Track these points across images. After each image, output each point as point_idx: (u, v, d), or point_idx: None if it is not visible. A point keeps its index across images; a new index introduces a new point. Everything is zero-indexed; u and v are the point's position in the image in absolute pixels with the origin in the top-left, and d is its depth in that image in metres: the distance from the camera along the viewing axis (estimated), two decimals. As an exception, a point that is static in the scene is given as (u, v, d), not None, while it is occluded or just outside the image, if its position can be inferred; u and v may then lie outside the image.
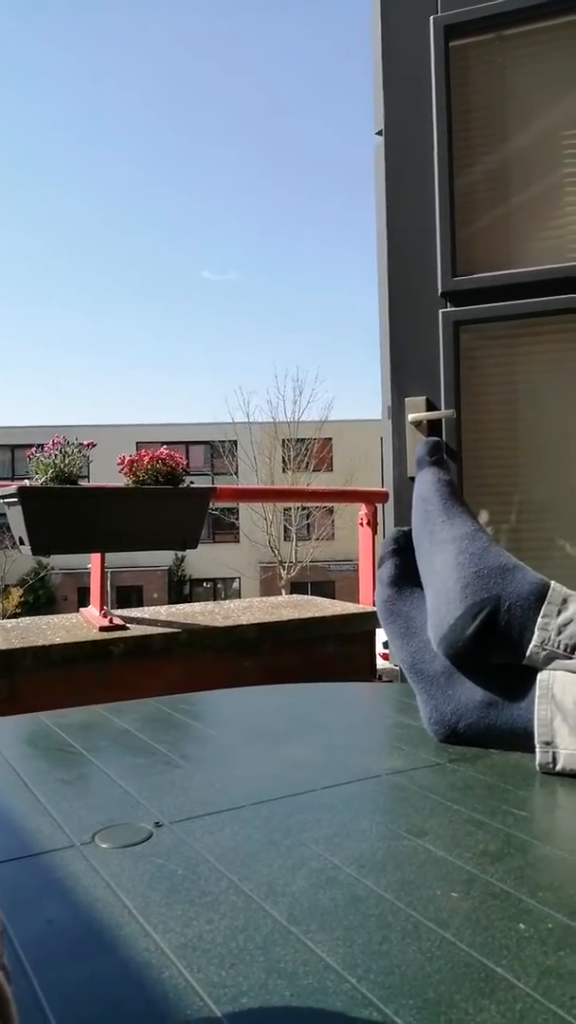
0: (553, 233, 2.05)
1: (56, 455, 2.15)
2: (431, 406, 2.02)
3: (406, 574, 1.22)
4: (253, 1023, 0.47)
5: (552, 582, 1.06)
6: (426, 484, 1.30)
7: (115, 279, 50.83)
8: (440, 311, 2.02)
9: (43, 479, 2.14)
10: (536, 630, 1.01)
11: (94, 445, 2.28)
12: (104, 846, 0.73)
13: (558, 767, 0.93)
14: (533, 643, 1.01)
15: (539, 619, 1.02)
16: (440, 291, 2.02)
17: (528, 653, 1.01)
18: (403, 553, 1.24)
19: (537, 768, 0.94)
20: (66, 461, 2.15)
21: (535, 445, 2.07)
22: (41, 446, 2.20)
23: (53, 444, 2.18)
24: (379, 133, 2.16)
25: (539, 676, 0.99)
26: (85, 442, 2.25)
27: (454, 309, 2.02)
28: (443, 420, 2.00)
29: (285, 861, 0.69)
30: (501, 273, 2.01)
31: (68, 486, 2.16)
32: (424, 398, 2.03)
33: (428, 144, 2.04)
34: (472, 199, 2.08)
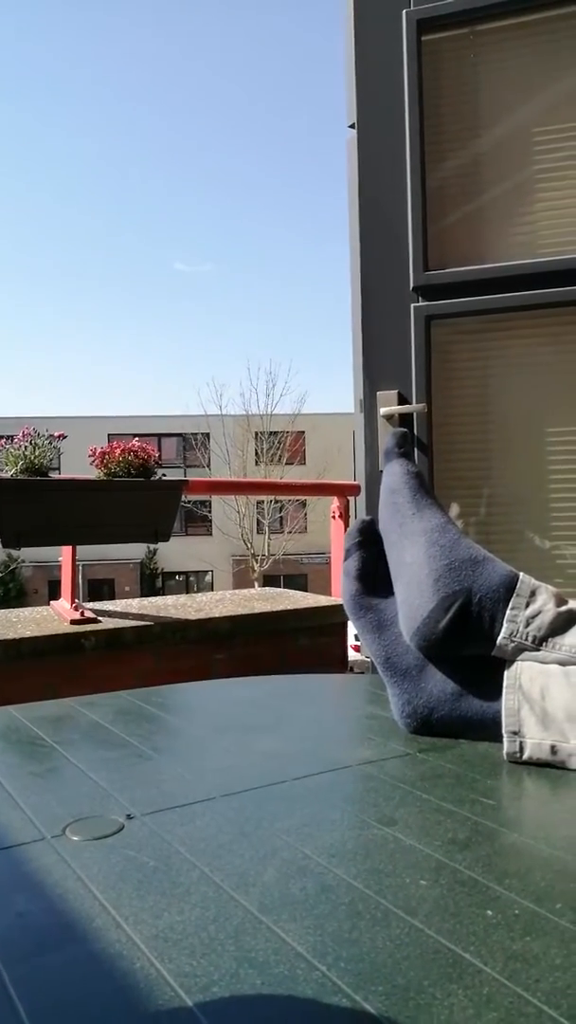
0: (525, 229, 2.07)
1: (26, 447, 2.13)
2: (403, 400, 2.03)
3: (373, 566, 1.22)
4: (224, 1012, 0.47)
5: (521, 574, 1.08)
6: (395, 476, 1.30)
7: (86, 270, 50.35)
8: (412, 305, 2.03)
9: (13, 471, 2.12)
10: (505, 622, 1.03)
11: (65, 437, 2.26)
12: (75, 839, 0.73)
13: (524, 756, 0.94)
14: (502, 635, 1.02)
15: (508, 611, 1.03)
16: (412, 285, 2.03)
17: (497, 644, 1.03)
18: (368, 545, 1.24)
19: (504, 757, 0.95)
20: (37, 453, 2.13)
21: (505, 439, 2.10)
22: (11, 437, 2.18)
23: (23, 435, 2.16)
24: (352, 126, 2.16)
25: (507, 668, 1.01)
26: (56, 433, 2.23)
27: (426, 303, 2.03)
28: (415, 413, 2.01)
29: (256, 852, 0.70)
30: (473, 268, 2.02)
31: (39, 478, 2.15)
32: (396, 392, 2.04)
33: (401, 138, 2.04)
34: (444, 193, 2.09)
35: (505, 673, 1.00)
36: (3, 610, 2.63)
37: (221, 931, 0.57)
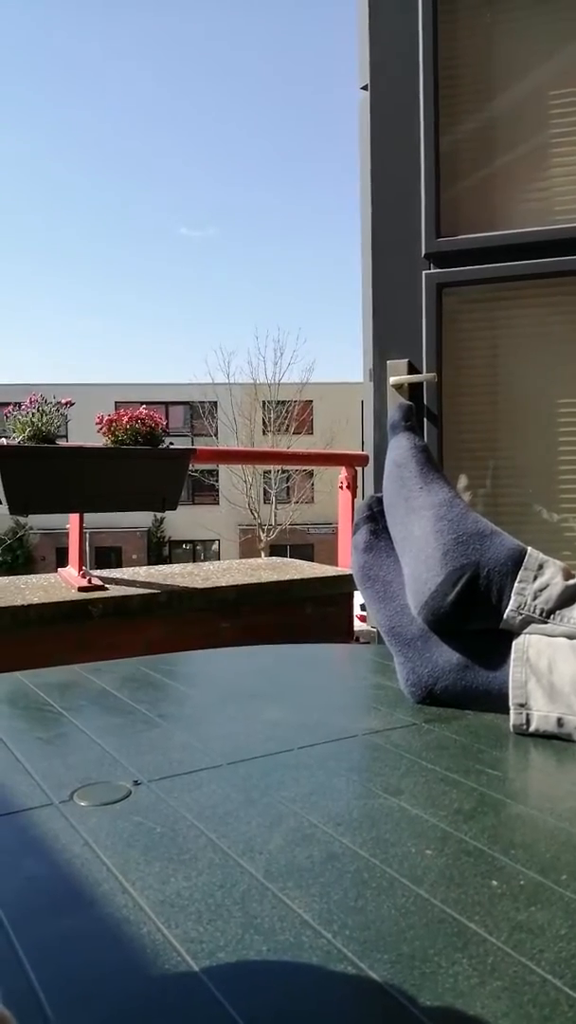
0: (539, 195, 2.03)
1: (34, 413, 2.12)
2: (413, 369, 2.01)
3: (381, 539, 1.23)
4: (230, 978, 0.48)
5: (529, 548, 1.07)
6: (401, 449, 1.30)
7: (90, 235, 49.85)
8: (423, 273, 2.00)
9: (20, 438, 2.12)
10: (513, 595, 1.02)
11: (72, 404, 2.25)
12: (83, 804, 0.73)
13: (531, 728, 0.95)
14: (510, 608, 1.02)
15: (516, 584, 1.03)
16: (424, 252, 1.99)
17: (505, 617, 1.02)
18: (377, 519, 1.25)
19: (511, 729, 0.95)
20: (44, 420, 2.12)
21: (515, 409, 2.08)
22: (18, 404, 2.17)
23: (30, 402, 2.15)
24: (364, 88, 2.11)
25: (515, 640, 1.00)
26: (63, 400, 2.22)
27: (437, 271, 2.00)
28: (424, 383, 1.99)
29: (262, 819, 0.70)
30: (485, 235, 1.98)
31: (46, 445, 2.14)
32: (406, 361, 2.02)
33: (414, 100, 2.00)
34: (457, 158, 2.05)
35: (512, 645, 1.00)
36: (11, 577, 2.64)
37: (227, 897, 0.57)
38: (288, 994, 0.47)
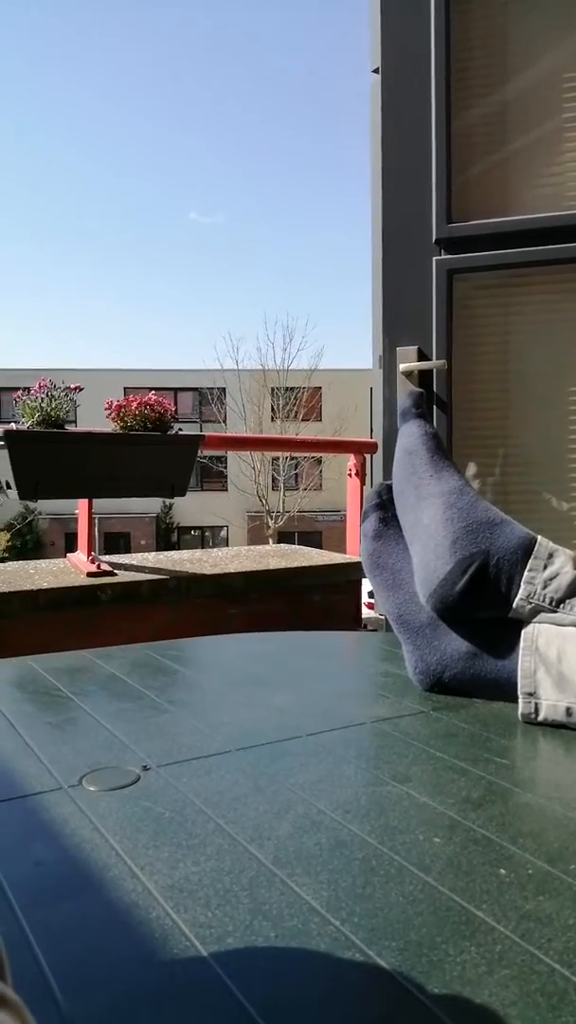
0: (552, 180, 2.01)
1: (43, 399, 2.12)
2: (423, 356, 2.00)
3: (390, 527, 1.23)
4: (238, 963, 0.48)
5: (539, 536, 1.07)
6: (412, 437, 1.29)
7: (100, 220, 49.66)
8: (434, 259, 1.98)
9: (30, 423, 2.12)
10: (522, 584, 1.02)
11: (81, 389, 2.25)
12: (92, 789, 0.74)
13: (540, 717, 0.94)
14: (519, 596, 1.02)
15: (525, 573, 1.03)
16: (434, 238, 1.98)
17: (514, 606, 1.02)
18: (387, 506, 1.25)
19: (519, 718, 0.95)
20: (53, 405, 2.12)
21: (526, 397, 2.06)
22: (27, 389, 2.17)
23: (40, 387, 2.15)
24: (376, 71, 2.09)
25: (524, 629, 1.00)
26: (72, 385, 2.22)
27: (448, 257, 1.98)
28: (434, 370, 1.98)
29: (271, 805, 0.70)
30: (497, 220, 1.97)
31: (55, 430, 2.14)
32: (416, 347, 2.01)
33: (426, 84, 1.97)
34: (469, 142, 2.03)
35: (522, 634, 1.00)
36: (21, 562, 2.64)
37: (236, 883, 0.57)
38: (296, 980, 0.47)
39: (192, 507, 25.11)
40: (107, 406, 2.30)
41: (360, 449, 3.16)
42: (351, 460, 3.14)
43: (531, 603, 1.01)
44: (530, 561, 1.03)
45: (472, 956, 0.49)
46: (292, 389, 25.56)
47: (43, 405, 2.12)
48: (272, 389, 25.47)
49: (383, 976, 0.47)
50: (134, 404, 2.27)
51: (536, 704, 0.95)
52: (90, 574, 2.34)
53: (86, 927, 0.52)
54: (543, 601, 1.01)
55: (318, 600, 2.68)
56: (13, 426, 2.14)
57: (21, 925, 0.51)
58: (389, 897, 0.56)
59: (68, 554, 2.68)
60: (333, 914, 0.53)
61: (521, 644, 0.99)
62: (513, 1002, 0.45)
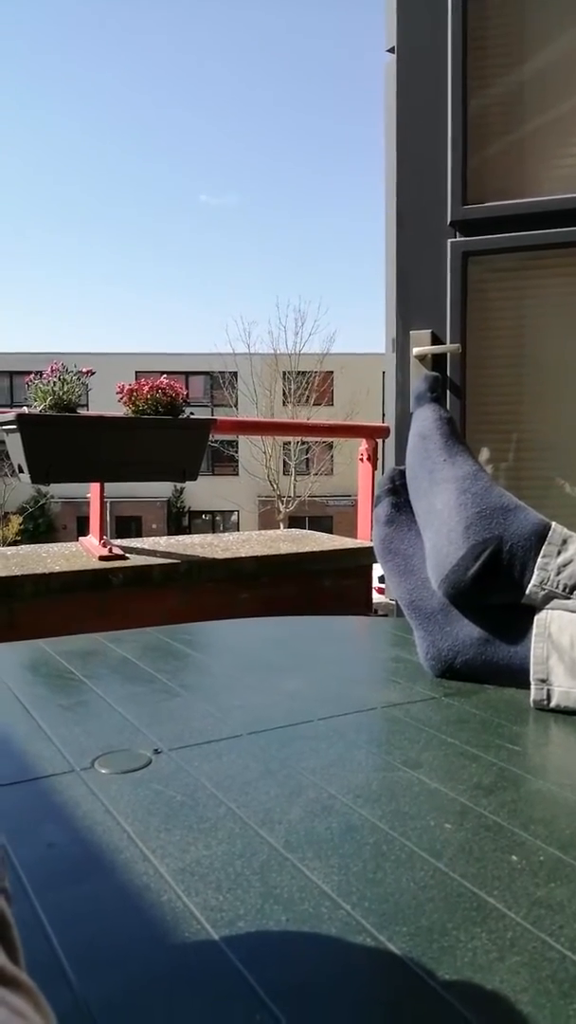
0: (569, 161, 1.98)
1: (55, 382, 2.12)
2: (436, 340, 1.99)
3: (402, 512, 1.22)
4: (249, 947, 0.48)
5: (553, 523, 1.06)
6: (426, 421, 1.28)
7: (110, 204, 49.44)
8: (449, 241, 1.96)
9: (42, 406, 2.12)
10: (536, 570, 1.01)
11: (93, 373, 2.25)
12: (104, 772, 0.74)
13: (552, 704, 0.94)
14: (532, 583, 1.01)
15: (539, 559, 1.02)
16: (449, 220, 1.96)
17: (527, 592, 1.02)
18: (399, 492, 1.24)
19: (531, 704, 0.95)
20: (65, 389, 2.12)
21: (541, 382, 2.04)
22: (40, 373, 2.17)
23: (52, 371, 2.15)
24: (390, 50, 2.06)
25: (537, 615, 1.00)
26: (84, 369, 2.21)
27: (463, 239, 1.96)
28: (448, 354, 1.97)
29: (282, 789, 0.70)
30: (513, 202, 1.94)
31: (68, 414, 2.14)
32: (429, 331, 1.99)
33: (442, 63, 1.95)
34: (485, 123, 2.00)
35: (535, 620, 0.99)
36: (33, 545, 2.66)
37: (247, 867, 0.57)
38: (307, 964, 0.47)
39: (203, 491, 25.14)
40: (119, 390, 2.30)
41: (372, 434, 3.15)
42: (363, 445, 3.13)
43: (544, 589, 1.01)
44: (544, 547, 1.02)
45: (483, 942, 0.49)
46: (304, 373, 25.47)
47: (55, 389, 2.12)
48: (284, 373, 25.39)
49: (394, 961, 0.47)
50: (146, 388, 2.27)
51: (548, 691, 0.94)
52: (102, 558, 2.34)
53: (98, 910, 0.52)
54: (556, 587, 1.00)
55: (329, 585, 2.68)
56: (25, 410, 2.14)
57: (34, 907, 0.52)
58: (400, 882, 0.56)
59: (80, 538, 2.69)
60: (344, 899, 0.53)
61: (534, 630, 0.99)
62: (524, 989, 0.45)
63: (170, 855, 0.59)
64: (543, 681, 0.95)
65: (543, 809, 0.68)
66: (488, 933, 0.50)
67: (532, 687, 0.95)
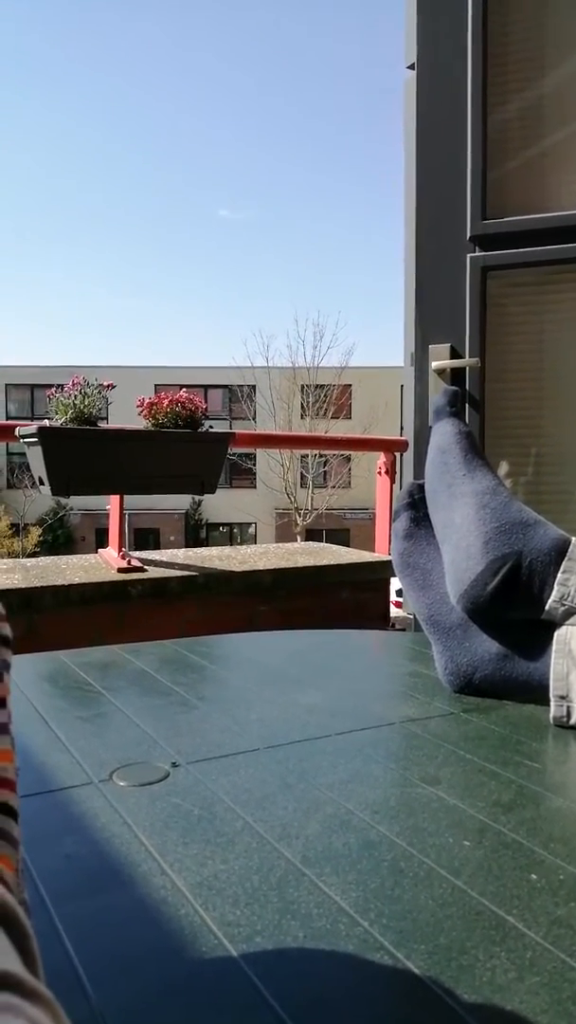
0: (589, 176, 1.98)
1: (76, 396, 2.14)
2: (455, 354, 1.99)
3: (421, 527, 1.22)
4: (266, 962, 0.48)
5: (573, 538, 1.05)
6: (445, 435, 1.28)
7: (132, 217, 49.94)
8: (468, 256, 1.96)
9: (63, 420, 2.14)
10: (556, 585, 1.01)
11: (114, 387, 2.26)
12: (122, 784, 0.74)
13: (572, 721, 0.93)
14: (552, 598, 1.01)
15: (559, 575, 1.01)
16: (469, 235, 1.96)
17: (547, 608, 1.01)
18: (418, 506, 1.24)
19: (551, 721, 0.94)
20: (86, 402, 2.14)
21: (560, 396, 2.04)
22: (61, 386, 2.19)
23: (73, 384, 2.17)
24: (411, 67, 2.08)
25: (557, 631, 0.99)
26: (105, 383, 2.23)
27: (483, 254, 1.96)
28: (467, 368, 1.97)
29: (299, 804, 0.70)
30: (533, 217, 1.94)
31: (88, 427, 2.16)
32: (448, 345, 1.99)
33: (462, 79, 1.96)
34: (505, 138, 2.00)
35: (554, 636, 0.99)
36: (53, 557, 2.67)
37: (264, 882, 0.57)
38: (325, 981, 0.47)
39: (221, 504, 25.17)
40: (139, 403, 2.32)
41: (390, 447, 3.15)
42: (381, 458, 3.13)
43: (564, 605, 1.00)
44: (564, 563, 1.02)
45: (502, 962, 0.48)
46: (322, 386, 25.51)
47: (76, 402, 2.13)
48: (302, 386, 25.45)
49: (412, 980, 0.47)
50: (166, 402, 2.28)
51: (568, 707, 0.94)
52: (121, 570, 2.35)
53: (116, 922, 0.52)
54: (576, 603, 1.00)
55: (346, 598, 2.67)
56: (47, 423, 2.16)
57: (52, 918, 0.52)
58: (418, 900, 0.55)
59: (99, 550, 2.70)
60: (362, 915, 0.53)
61: (554, 646, 0.98)
62: (544, 1010, 0.44)
63: (188, 869, 0.59)
64: (563, 698, 0.94)
65: (563, 827, 0.68)
66: (507, 952, 0.49)
67: (552, 704, 0.95)
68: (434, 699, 1.03)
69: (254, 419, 25.73)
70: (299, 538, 22.18)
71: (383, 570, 2.72)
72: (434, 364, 1.99)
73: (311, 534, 23.13)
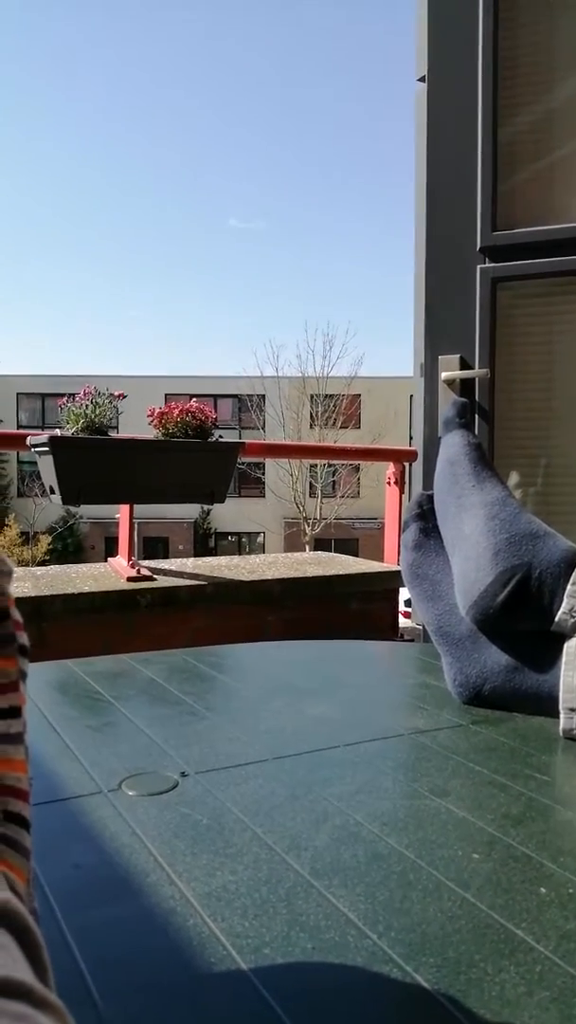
0: (599, 188, 1.98)
1: (87, 405, 2.15)
2: (465, 364, 1.99)
3: (431, 538, 1.22)
4: (275, 974, 0.48)
5: (583, 549, 1.05)
6: (455, 447, 1.29)
7: (142, 227, 50.23)
8: (478, 267, 1.97)
9: (74, 429, 2.15)
10: (565, 597, 1.01)
11: (125, 396, 2.28)
12: (131, 793, 0.74)
13: (582, 733, 0.93)
14: (562, 610, 1.00)
15: (569, 586, 1.01)
16: (479, 246, 1.96)
17: (556, 620, 1.01)
18: (427, 517, 1.24)
19: (560, 733, 0.94)
20: (97, 412, 2.15)
21: (569, 408, 2.04)
22: (72, 395, 2.20)
23: (84, 394, 2.18)
24: (421, 80, 2.09)
25: (567, 643, 0.99)
26: (116, 393, 2.24)
27: (493, 265, 1.96)
28: (477, 379, 1.97)
29: (308, 816, 0.70)
30: (543, 228, 1.95)
31: (99, 437, 2.17)
32: (458, 356, 1.99)
33: (472, 91, 1.97)
34: (516, 150, 2.01)
35: (564, 648, 0.98)
36: (63, 566, 2.68)
37: (273, 893, 0.57)
38: (334, 994, 0.47)
39: (230, 513, 25.19)
40: (149, 413, 2.33)
41: (400, 457, 3.15)
42: (390, 468, 3.13)
43: (574, 617, 1.00)
44: (573, 575, 1.02)
45: (511, 976, 0.48)
46: (331, 396, 25.54)
47: (87, 412, 2.15)
48: (311, 396, 25.48)
49: (421, 993, 0.47)
50: (176, 411, 2.30)
51: (578, 720, 0.93)
52: (130, 579, 2.36)
53: (124, 932, 0.52)
54: (586, 615, 0.99)
55: (355, 608, 2.67)
56: (58, 432, 2.17)
57: (60, 927, 0.52)
58: (427, 912, 0.55)
59: (109, 558, 2.71)
60: (370, 928, 0.53)
61: (563, 658, 0.98)
62: (554, 1025, 0.44)
63: (196, 879, 0.59)
64: (573, 710, 0.94)
65: (572, 841, 0.67)
66: (516, 966, 0.49)
67: (561, 716, 0.94)
68: (443, 710, 1.03)
69: (263, 428, 25.76)
70: (308, 548, 22.17)
71: (392, 580, 2.72)
72: (444, 375, 1.99)
73: (320, 543, 23.11)
